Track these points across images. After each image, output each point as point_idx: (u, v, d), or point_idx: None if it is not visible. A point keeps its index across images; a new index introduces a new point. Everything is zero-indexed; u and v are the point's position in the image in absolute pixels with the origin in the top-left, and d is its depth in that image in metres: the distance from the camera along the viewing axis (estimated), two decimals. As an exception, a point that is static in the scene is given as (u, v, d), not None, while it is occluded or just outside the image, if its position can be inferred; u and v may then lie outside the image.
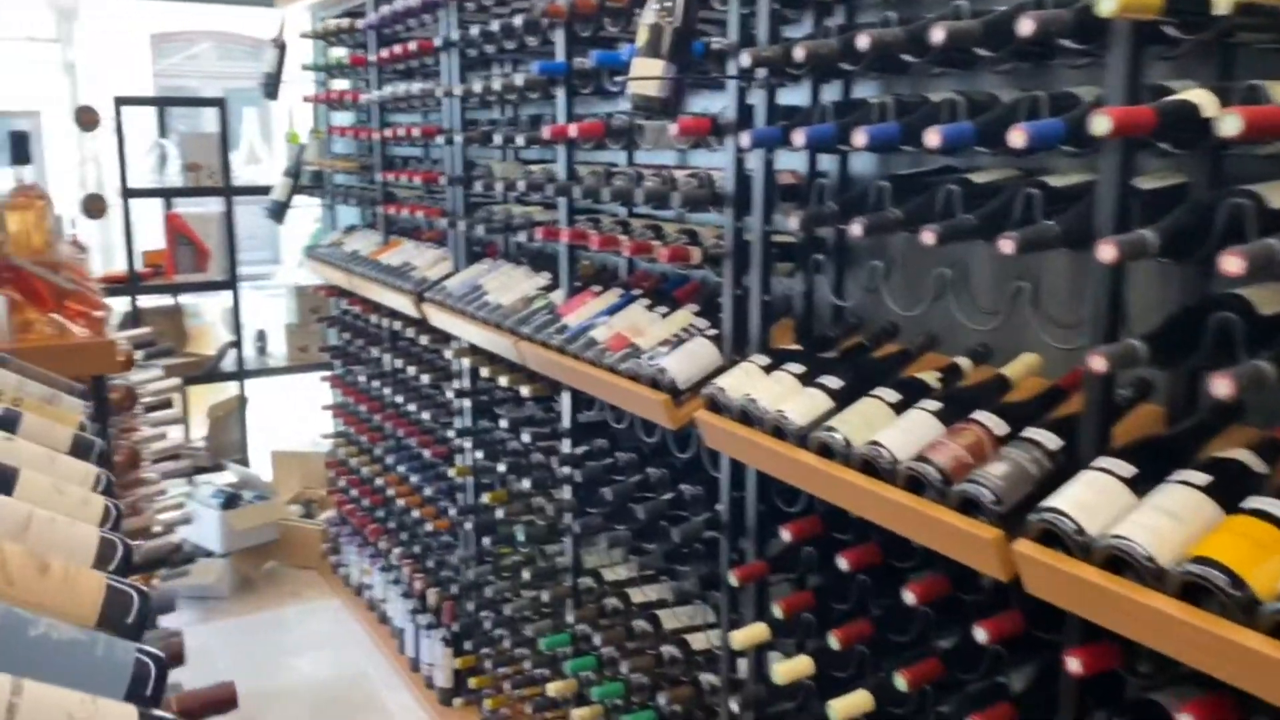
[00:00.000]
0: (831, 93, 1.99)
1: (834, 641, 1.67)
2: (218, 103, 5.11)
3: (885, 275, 1.84)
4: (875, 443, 1.51)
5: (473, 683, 3.29)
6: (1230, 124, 1.06)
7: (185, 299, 5.41)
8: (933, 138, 1.38)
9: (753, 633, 1.87)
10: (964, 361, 1.72)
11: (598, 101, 2.73)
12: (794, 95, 2.01)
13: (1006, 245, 1.30)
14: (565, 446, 2.63)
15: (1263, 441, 1.29)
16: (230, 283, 5.02)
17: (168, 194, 5.02)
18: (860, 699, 1.59)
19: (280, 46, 4.21)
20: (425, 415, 3.48)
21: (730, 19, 1.89)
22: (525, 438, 2.73)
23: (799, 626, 1.85)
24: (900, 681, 1.55)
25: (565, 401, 2.61)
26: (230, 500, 4.62)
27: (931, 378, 1.67)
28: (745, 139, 1.79)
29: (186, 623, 4.24)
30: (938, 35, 1.40)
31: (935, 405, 1.54)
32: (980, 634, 1.43)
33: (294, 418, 5.63)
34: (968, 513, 1.36)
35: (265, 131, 8.60)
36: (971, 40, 1.40)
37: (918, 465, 1.43)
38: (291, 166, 4.40)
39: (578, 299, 2.49)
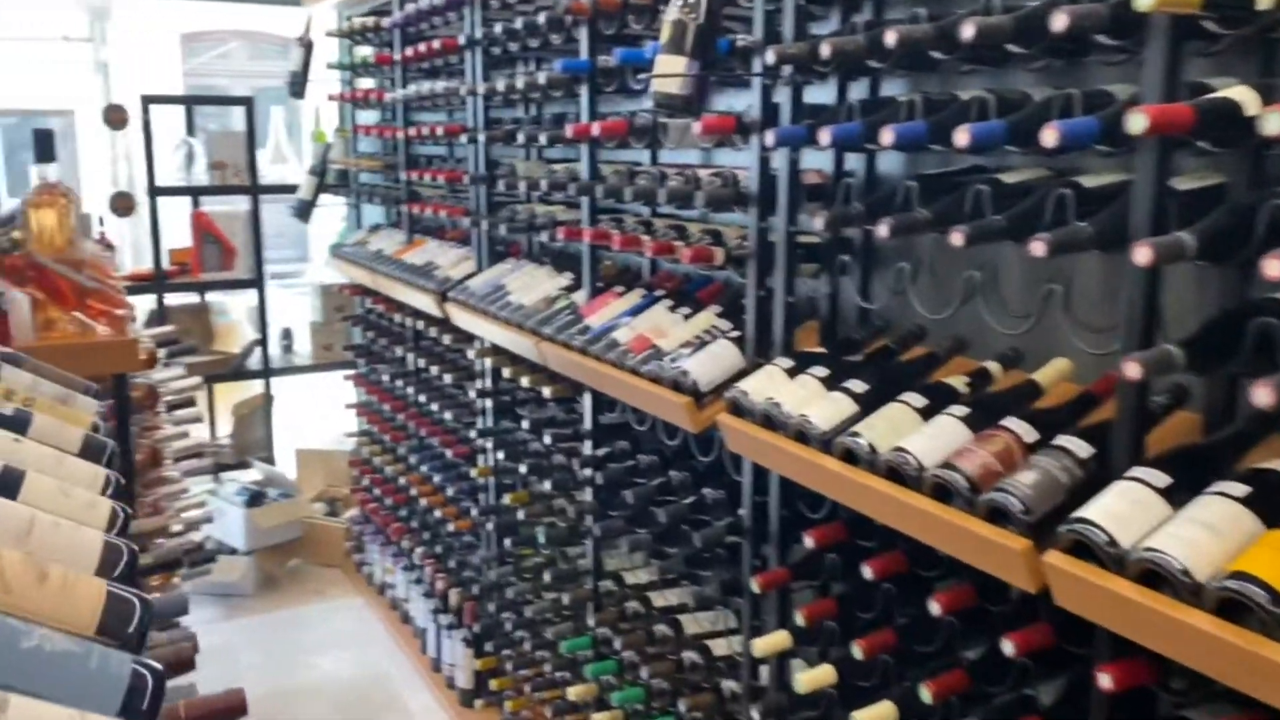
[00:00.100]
0: (858, 91, 1.95)
1: (857, 651, 1.64)
2: (245, 102, 5.13)
3: (913, 277, 1.80)
4: (901, 449, 1.48)
5: (493, 684, 3.28)
6: (1273, 122, 1.02)
7: (212, 297, 5.43)
8: (962, 136, 1.35)
9: (774, 640, 1.84)
10: (993, 366, 1.68)
11: (622, 100, 2.70)
12: (820, 94, 1.97)
13: (1038, 247, 1.26)
14: (586, 448, 2.60)
15: (1304, 452, 1.25)
16: (256, 281, 5.03)
17: (195, 192, 5.04)
18: (884, 710, 1.56)
19: (306, 45, 4.22)
20: (448, 415, 3.47)
21: (755, 15, 1.86)
22: (546, 439, 2.71)
23: (822, 634, 1.82)
24: (925, 693, 1.52)
25: (587, 403, 2.59)
26: (254, 498, 4.64)
27: (959, 382, 1.64)
28: (770, 138, 1.77)
29: (210, 620, 4.26)
30: (968, 31, 1.36)
31: (963, 411, 1.50)
32: (1008, 647, 1.39)
33: (318, 416, 5.65)
34: (996, 522, 1.32)
35: (293, 131, 8.64)
36: (1003, 36, 1.37)
37: (945, 473, 1.39)
38: (317, 165, 4.41)
39: (600, 299, 2.47)
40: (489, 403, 3.18)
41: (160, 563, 1.33)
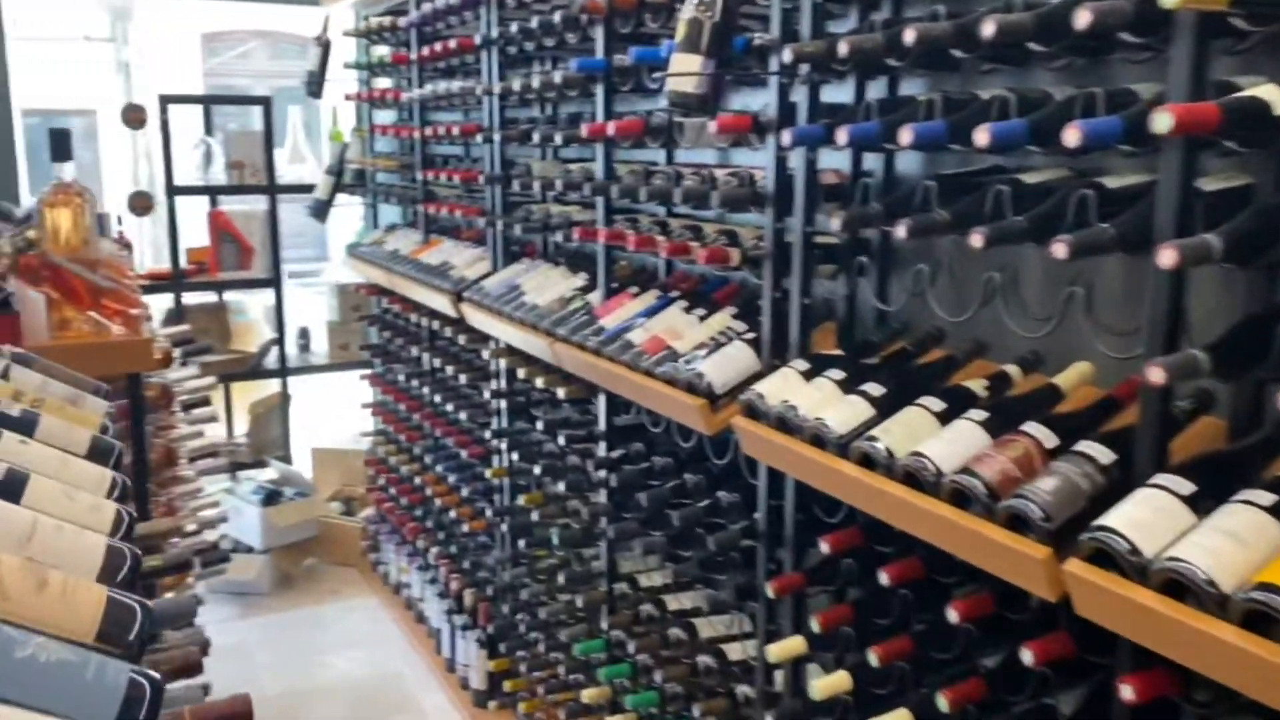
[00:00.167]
0: (877, 90, 1.93)
1: (873, 658, 1.61)
2: (262, 101, 5.14)
3: (931, 279, 1.78)
4: (918, 454, 1.45)
5: (507, 686, 3.27)
6: (1304, 122, 0.99)
7: (230, 296, 5.45)
8: (982, 136, 1.32)
9: (789, 646, 1.82)
10: (1013, 370, 1.65)
11: (637, 99, 2.69)
12: (838, 93, 1.95)
13: (1059, 249, 1.24)
14: (601, 450, 2.59)
15: (1333, 459, 1.22)
16: (273, 280, 5.04)
17: (212, 192, 5.05)
18: (900, 718, 1.54)
19: (324, 45, 4.23)
20: (463, 415, 3.47)
21: (772, 13, 1.84)
22: (560, 440, 2.70)
23: (838, 640, 1.79)
24: (942, 701, 1.49)
25: (601, 404, 2.57)
26: (271, 497, 4.64)
27: (978, 386, 1.61)
28: (787, 137, 1.74)
29: (225, 618, 4.27)
30: (988, 29, 1.34)
31: (982, 415, 1.47)
32: (1027, 656, 1.36)
33: (335, 415, 5.66)
34: (1015, 529, 1.30)
35: (311, 130, 8.67)
36: (1024, 34, 1.34)
37: (963, 478, 1.37)
38: (334, 165, 4.41)
39: (615, 300, 2.45)
40: (504, 403, 3.17)
41: (170, 564, 1.32)
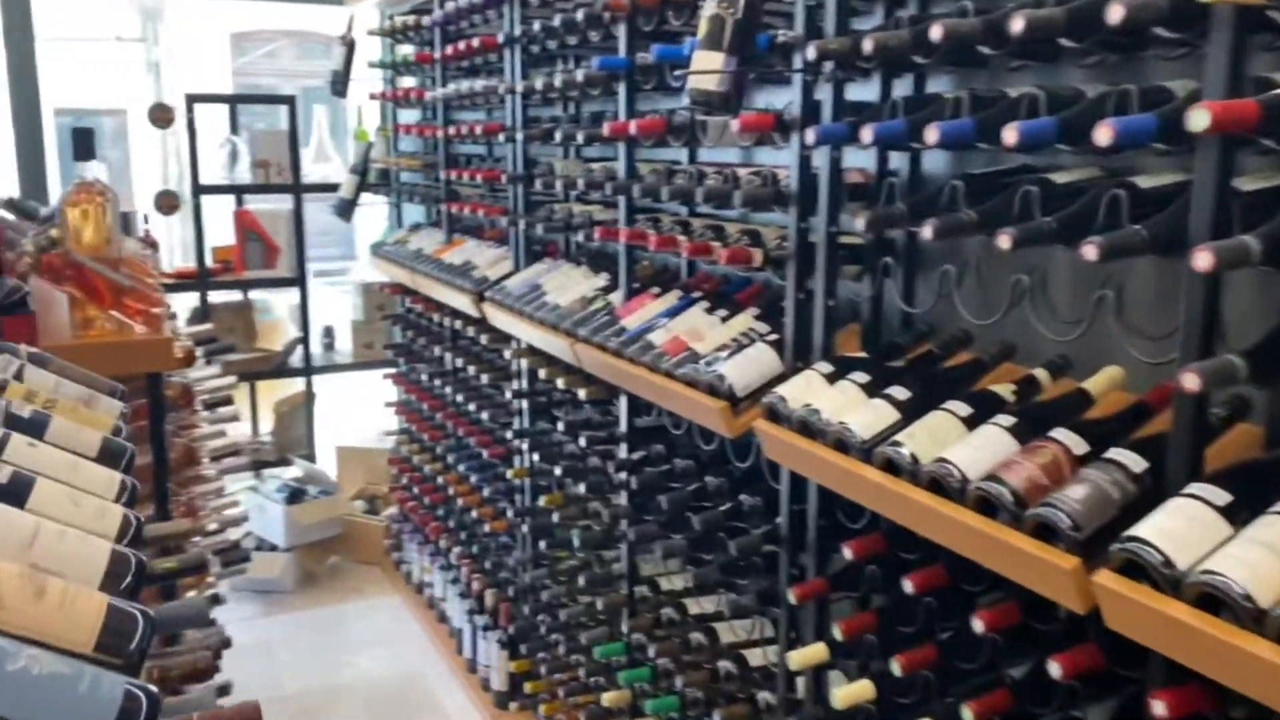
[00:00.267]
0: (903, 88, 1.90)
1: (897, 667, 1.58)
2: (287, 100, 5.15)
3: (958, 280, 1.74)
4: (944, 460, 1.42)
5: (528, 687, 3.25)
6: (1348, 119, 0.95)
7: (255, 295, 5.46)
8: (1010, 134, 1.29)
9: (811, 653, 1.79)
10: (1041, 374, 1.61)
11: (660, 98, 2.66)
12: (863, 91, 1.92)
13: (1090, 251, 1.20)
14: (622, 451, 2.57)
15: (1375, 469, 1.18)
16: (297, 279, 5.05)
17: (238, 191, 5.07)
18: (924, 730, 1.50)
19: (349, 44, 4.23)
20: (485, 415, 3.46)
21: (796, 10, 1.81)
22: (581, 441, 2.68)
23: (861, 648, 1.76)
24: (967, 713, 1.46)
25: (622, 405, 2.55)
26: (295, 495, 4.65)
27: (1006, 391, 1.57)
28: (810, 135, 1.71)
29: (249, 616, 4.28)
30: (1017, 25, 1.30)
31: (1009, 421, 1.44)
32: (1055, 669, 1.33)
33: (359, 414, 5.66)
34: (1043, 539, 1.27)
35: (336, 130, 8.70)
36: (1054, 30, 1.30)
37: (989, 486, 1.34)
38: (358, 164, 4.41)
39: (636, 300, 2.43)
40: (525, 404, 3.15)
41: (186, 567, 1.31)
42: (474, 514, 3.65)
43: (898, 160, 1.94)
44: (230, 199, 5.14)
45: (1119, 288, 1.49)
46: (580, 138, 2.56)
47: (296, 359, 5.17)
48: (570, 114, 3.35)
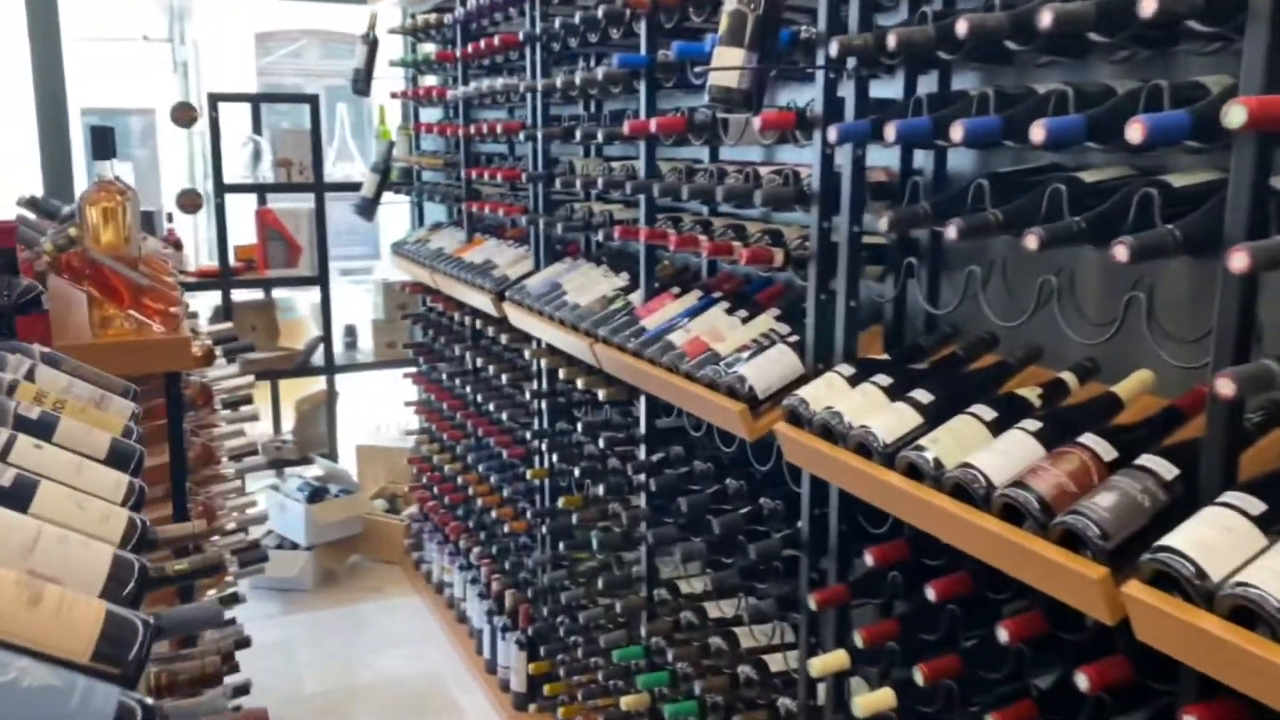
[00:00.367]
0: (927, 85, 1.86)
1: (919, 676, 1.55)
2: (310, 99, 5.16)
3: (984, 281, 1.71)
4: (968, 465, 1.39)
5: (547, 689, 3.23)
6: (1393, 115, 0.92)
7: (279, 293, 5.48)
8: (1038, 132, 1.25)
9: (832, 660, 1.76)
10: (1069, 377, 1.57)
11: (681, 95, 2.64)
12: (887, 88, 1.89)
13: (1120, 252, 1.17)
14: (641, 453, 2.54)
15: None
16: (319, 278, 5.06)
17: (261, 189, 5.08)
18: (946, 741, 1.47)
19: (371, 43, 4.22)
20: (504, 415, 3.44)
21: (819, 6, 1.78)
22: (600, 443, 2.66)
23: (882, 655, 1.73)
24: (991, 724, 1.43)
25: (642, 406, 2.53)
26: (316, 494, 4.66)
27: (1032, 395, 1.54)
28: (833, 133, 1.69)
29: (269, 614, 4.29)
30: (1046, 20, 1.26)
31: (1036, 425, 1.41)
32: (1082, 681, 1.29)
33: (381, 412, 5.67)
34: (1070, 548, 1.23)
35: (359, 129, 8.72)
36: (1084, 24, 1.27)
37: (1015, 492, 1.30)
38: (380, 163, 4.41)
39: (657, 301, 2.41)
40: (544, 404, 3.13)
41: (197, 569, 1.29)
42: (493, 514, 3.64)
43: (922, 159, 1.91)
44: (253, 198, 5.16)
45: (1150, 289, 1.45)
46: (600, 136, 2.54)
47: (318, 358, 5.18)
48: (591, 112, 3.33)
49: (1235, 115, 1.02)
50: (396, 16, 4.25)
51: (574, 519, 2.83)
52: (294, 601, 4.46)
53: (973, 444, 1.44)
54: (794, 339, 1.98)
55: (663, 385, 2.14)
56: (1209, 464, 1.21)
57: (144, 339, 2.12)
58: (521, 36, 3.00)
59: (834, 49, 1.62)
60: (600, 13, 2.42)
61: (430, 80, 4.45)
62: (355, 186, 4.73)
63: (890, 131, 1.52)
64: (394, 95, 4.45)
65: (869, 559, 1.71)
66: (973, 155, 1.86)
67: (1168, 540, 1.11)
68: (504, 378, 3.43)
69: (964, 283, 1.78)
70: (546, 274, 3.00)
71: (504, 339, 3.36)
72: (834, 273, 1.87)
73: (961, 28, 1.37)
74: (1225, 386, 1.06)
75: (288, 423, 5.27)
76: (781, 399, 1.82)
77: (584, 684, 2.96)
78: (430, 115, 4.57)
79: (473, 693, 3.74)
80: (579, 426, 2.87)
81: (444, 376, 4.12)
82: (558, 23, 2.67)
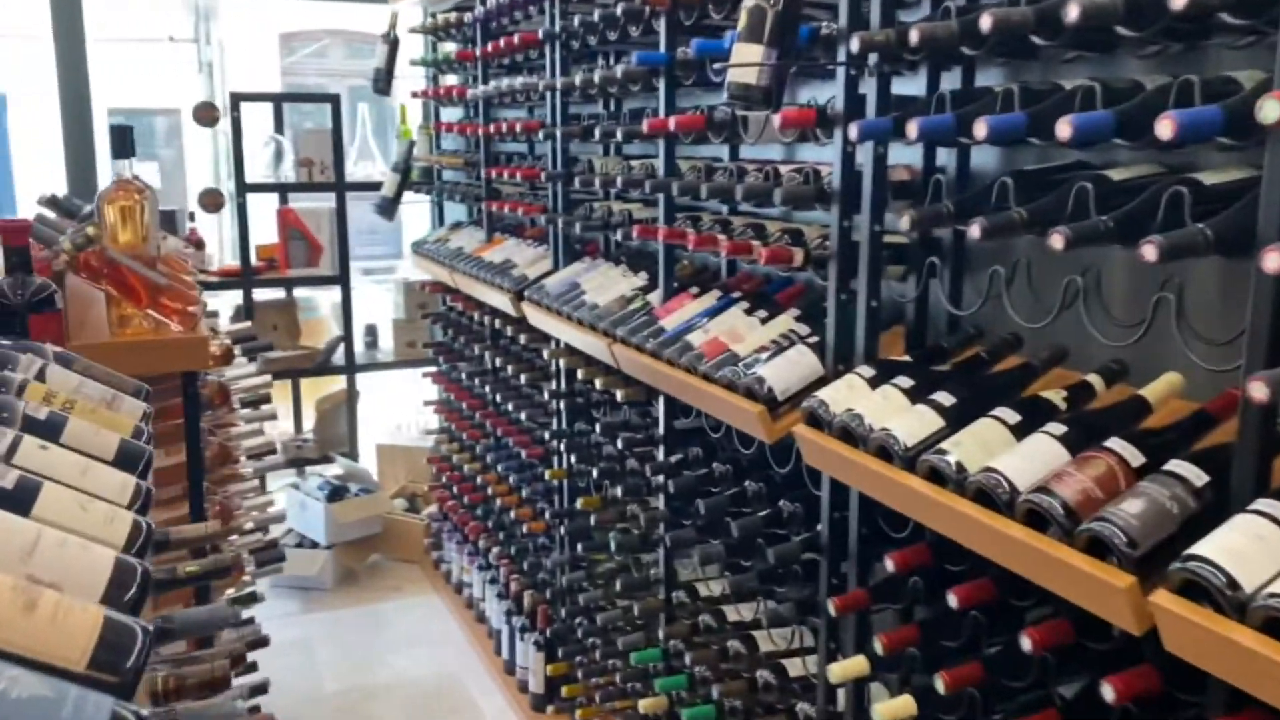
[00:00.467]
0: (951, 81, 1.83)
1: (940, 684, 1.52)
2: (331, 99, 5.17)
3: (1008, 281, 1.67)
4: (991, 470, 1.35)
5: (565, 691, 3.22)
6: None
7: (301, 293, 5.49)
8: (1064, 129, 1.22)
9: (851, 666, 1.73)
10: (1095, 380, 1.54)
11: (701, 93, 2.61)
12: (909, 85, 1.85)
13: (1149, 251, 1.14)
14: (659, 454, 2.52)
15: None
16: (340, 277, 5.06)
17: (282, 189, 5.09)
18: (968, 750, 1.44)
19: (391, 42, 4.22)
20: (523, 415, 3.43)
21: (840, 1, 1.75)
22: (618, 443, 2.64)
23: (903, 661, 1.70)
24: (1014, 734, 1.40)
25: (660, 407, 2.50)
26: (336, 493, 4.66)
27: (1057, 397, 1.50)
28: (854, 131, 1.66)
29: (289, 613, 4.30)
30: (1073, 14, 1.23)
31: (1061, 429, 1.37)
32: (1108, 691, 1.26)
33: (401, 412, 5.68)
34: (1096, 555, 1.20)
35: (380, 128, 8.75)
36: (1112, 18, 1.24)
37: (1039, 498, 1.27)
38: (400, 162, 4.41)
39: (675, 300, 2.38)
40: (563, 404, 3.12)
41: (209, 571, 1.28)
42: (512, 514, 3.63)
43: (945, 156, 1.87)
44: (275, 197, 5.17)
45: (1179, 289, 1.42)
46: (620, 135, 2.52)
47: (339, 357, 5.19)
48: (610, 111, 3.31)
49: (1270, 111, 0.99)
50: (417, 15, 4.25)
51: (592, 520, 2.81)
52: (314, 600, 4.47)
53: (996, 448, 1.41)
54: (814, 340, 1.96)
55: (681, 386, 2.12)
56: (1241, 470, 1.17)
57: (161, 338, 2.12)
58: (541, 35, 2.99)
59: (855, 45, 1.59)
60: (620, 10, 2.40)
61: (451, 79, 4.44)
62: (376, 186, 4.74)
63: (912, 129, 1.49)
64: (415, 94, 4.45)
65: (890, 564, 1.68)
66: (997, 153, 1.83)
67: (1198, 549, 1.08)
68: (523, 377, 3.42)
69: (987, 283, 1.74)
70: (565, 273, 2.98)
71: (523, 339, 3.34)
72: (855, 272, 1.84)
73: (986, 22, 1.34)
74: (1258, 390, 1.03)
75: (308, 422, 5.28)
76: (801, 401, 1.79)
77: (602, 686, 2.94)
78: (450, 114, 4.56)
79: (491, 693, 3.73)
80: (597, 427, 2.85)
81: (463, 376, 4.12)
82: (577, 20, 2.65)
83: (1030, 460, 1.35)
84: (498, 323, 3.67)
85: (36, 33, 5.06)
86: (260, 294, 5.03)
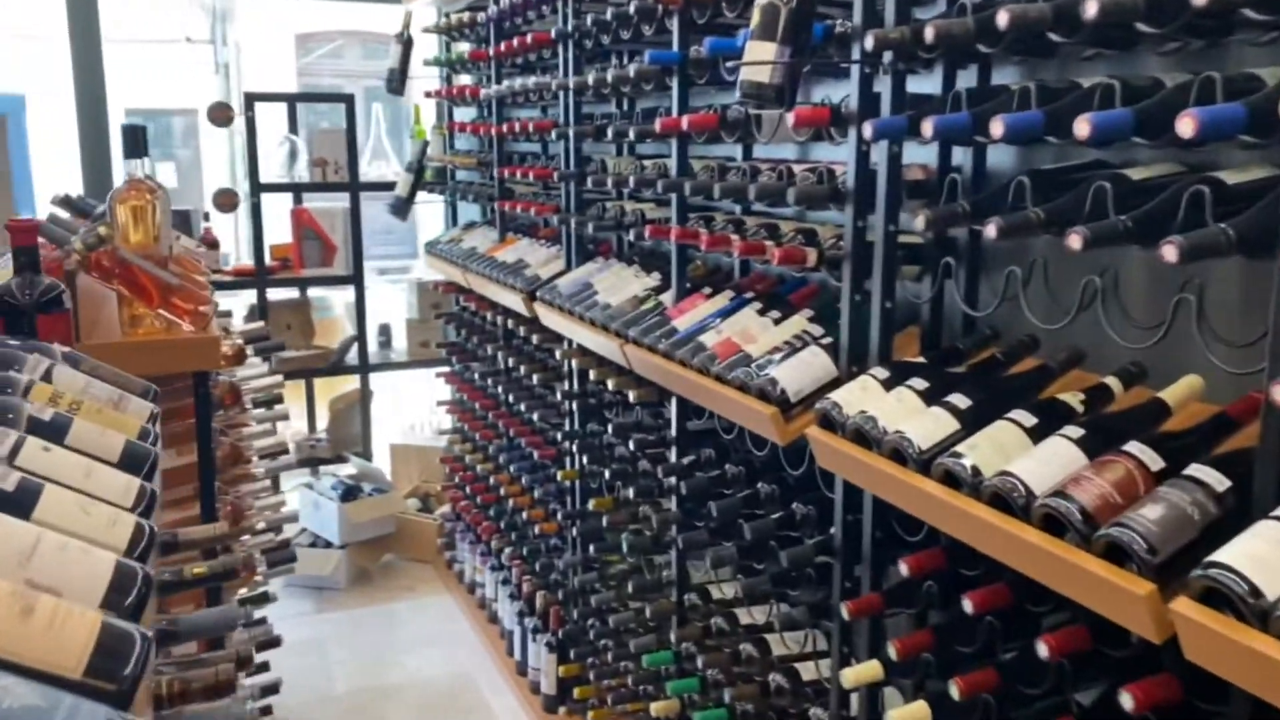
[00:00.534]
0: (967, 79, 1.81)
1: (955, 691, 1.50)
2: (345, 99, 5.17)
3: (1024, 282, 1.65)
4: (1008, 473, 1.33)
5: (577, 693, 3.20)
6: None
7: (315, 292, 5.50)
8: (1083, 127, 1.20)
9: (865, 671, 1.71)
10: (1113, 382, 1.51)
11: (715, 92, 2.60)
12: (925, 83, 1.83)
13: (1170, 252, 1.11)
14: (672, 455, 2.50)
15: None
16: (354, 277, 5.06)
17: (296, 189, 5.10)
18: (983, 758, 1.42)
19: (405, 42, 4.22)
20: (535, 416, 3.42)
21: (855, -2, 1.73)
22: (630, 445, 2.62)
23: (917, 666, 1.68)
24: (1030, 742, 1.37)
25: (673, 408, 2.49)
26: (349, 492, 4.67)
27: (1075, 400, 1.48)
28: (868, 130, 1.64)
29: (302, 612, 4.30)
30: (1091, 10, 1.21)
31: (1078, 433, 1.35)
32: (1127, 700, 1.24)
33: (414, 412, 5.68)
34: (1115, 561, 1.18)
35: (395, 128, 8.75)
36: (1132, 14, 1.22)
37: (1056, 502, 1.25)
38: (413, 162, 4.40)
39: (688, 301, 2.37)
40: (575, 405, 3.10)
41: (215, 572, 1.27)
42: (525, 515, 3.62)
43: (961, 156, 1.85)
44: (290, 197, 5.18)
45: (1200, 290, 1.39)
46: (632, 134, 2.51)
47: (353, 356, 5.19)
48: (624, 110, 3.29)
49: (1294, 107, 0.97)
50: (431, 15, 4.24)
51: (604, 521, 2.80)
52: (327, 600, 4.47)
53: (1012, 451, 1.39)
54: (827, 341, 1.94)
55: (693, 387, 2.10)
56: (1263, 475, 1.15)
57: (173, 338, 2.12)
58: (554, 34, 2.97)
59: (869, 43, 1.57)
60: (632, 9, 2.39)
61: (464, 79, 4.44)
62: (390, 186, 4.74)
63: (928, 127, 1.47)
64: (428, 94, 4.44)
65: (904, 568, 1.66)
66: (1013, 152, 1.80)
67: (1219, 556, 1.06)
68: (535, 378, 3.41)
69: (1004, 283, 1.72)
70: (578, 274, 2.97)
71: (535, 339, 3.33)
72: (869, 273, 1.82)
73: (1003, 19, 1.32)
74: (1282, 394, 1.00)
75: (322, 421, 5.29)
76: (814, 402, 1.78)
77: (614, 688, 2.92)
78: (464, 114, 4.56)
79: (503, 694, 3.72)
80: (609, 428, 2.84)
81: (476, 376, 4.11)
82: (590, 19, 2.64)
83: (1047, 464, 1.33)
84: (510, 323, 3.66)
85: (54, 34, 5.08)
86: (274, 294, 5.04)
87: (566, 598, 3.40)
